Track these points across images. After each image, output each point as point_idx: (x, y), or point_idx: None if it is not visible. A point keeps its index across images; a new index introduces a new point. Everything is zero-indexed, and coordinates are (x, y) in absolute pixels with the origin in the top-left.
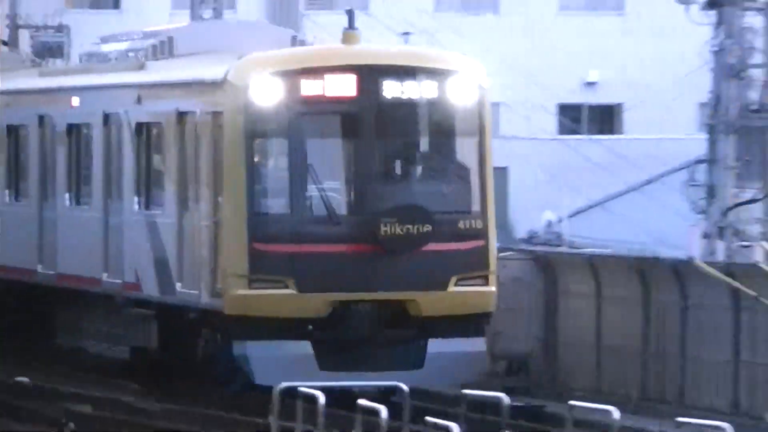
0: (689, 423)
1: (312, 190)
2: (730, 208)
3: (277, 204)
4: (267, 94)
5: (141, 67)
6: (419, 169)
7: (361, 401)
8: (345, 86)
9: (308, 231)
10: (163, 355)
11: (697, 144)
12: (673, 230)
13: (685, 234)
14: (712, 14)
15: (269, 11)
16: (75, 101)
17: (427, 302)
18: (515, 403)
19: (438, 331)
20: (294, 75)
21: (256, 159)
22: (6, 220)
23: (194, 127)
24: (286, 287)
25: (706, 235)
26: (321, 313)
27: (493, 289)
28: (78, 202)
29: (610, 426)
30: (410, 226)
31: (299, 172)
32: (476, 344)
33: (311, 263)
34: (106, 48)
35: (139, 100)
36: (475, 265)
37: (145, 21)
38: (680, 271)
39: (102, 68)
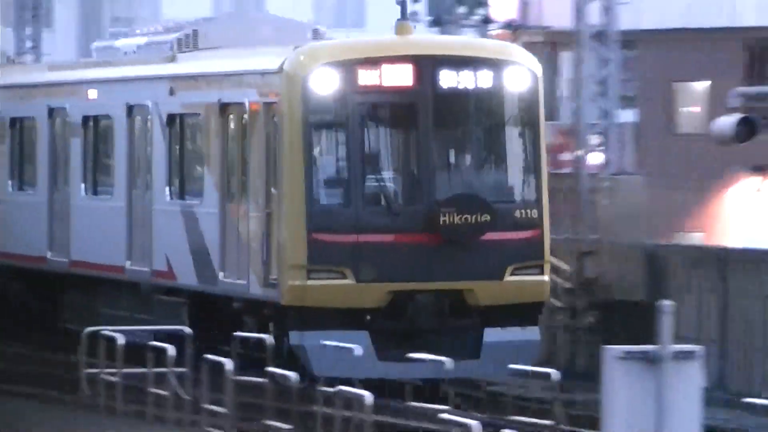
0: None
1: (370, 180)
2: None
3: (335, 194)
4: (325, 84)
5: (172, 59)
6: (476, 159)
7: (153, 342)
8: (402, 76)
9: (366, 221)
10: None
11: None
12: None
13: None
14: (436, 30)
15: (81, 32)
16: (92, 93)
17: (485, 292)
18: None
19: (494, 321)
20: (352, 65)
21: (314, 149)
22: (9, 209)
23: (241, 117)
24: (345, 277)
25: None
26: (379, 303)
27: (548, 278)
28: (95, 192)
29: None
30: (469, 216)
31: (357, 162)
32: (531, 333)
33: (370, 253)
34: (121, 43)
35: (171, 92)
36: (531, 255)
37: None
38: None
39: (123, 61)
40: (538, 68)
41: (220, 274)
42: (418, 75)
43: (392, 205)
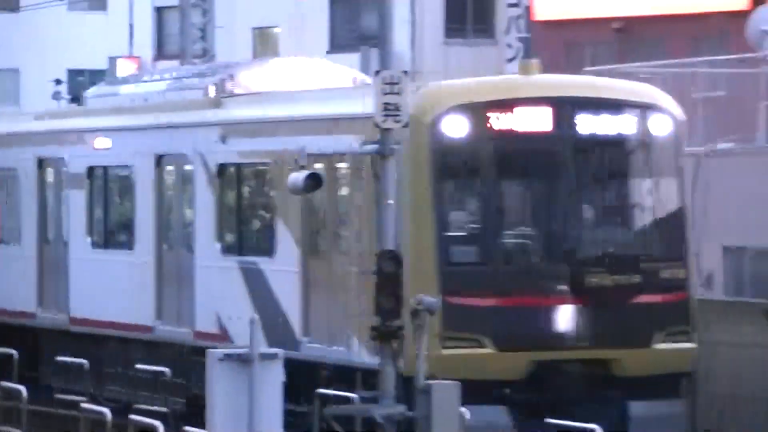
0: None
1: (507, 236)
2: None
3: (469, 252)
4: (456, 129)
5: (217, 104)
6: (619, 212)
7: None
8: (540, 120)
9: (506, 282)
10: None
11: None
12: None
13: None
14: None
15: None
16: (101, 142)
17: (632, 360)
18: None
19: (640, 393)
20: (484, 108)
21: (444, 202)
22: None
23: (334, 167)
24: (482, 346)
25: None
26: (519, 374)
27: (696, 345)
28: (106, 246)
29: None
30: (618, 276)
31: (493, 216)
32: (676, 406)
33: (510, 318)
34: (126, 89)
35: (223, 139)
36: (679, 320)
37: None
38: None
39: (141, 108)
40: (680, 113)
41: (304, 339)
42: (557, 119)
43: (533, 264)
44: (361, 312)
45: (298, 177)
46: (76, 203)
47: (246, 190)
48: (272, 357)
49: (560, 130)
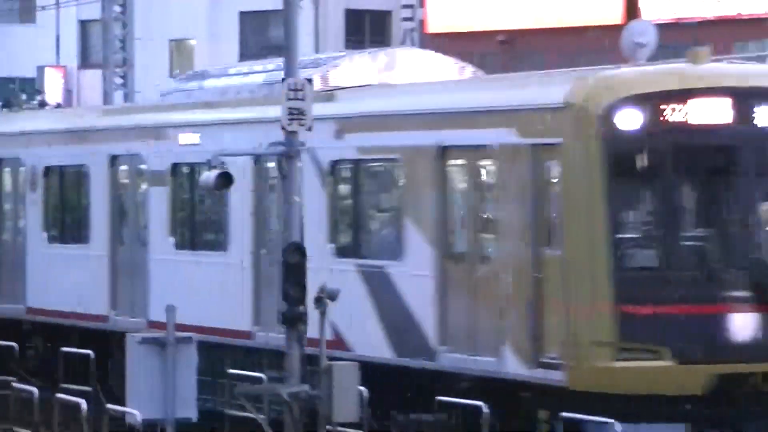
0: None
1: (686, 238)
2: None
3: (645, 256)
4: (629, 121)
5: (328, 98)
6: None
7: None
8: (718, 112)
9: (685, 289)
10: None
11: None
12: None
13: None
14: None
15: None
16: (187, 138)
17: None
18: None
19: None
20: (660, 99)
21: (617, 202)
22: (47, 262)
23: (476, 162)
24: (661, 358)
25: None
26: (701, 388)
27: None
28: (193, 247)
29: None
30: None
31: (670, 216)
32: None
33: (691, 328)
34: (210, 83)
35: (338, 135)
36: None
37: None
38: None
39: (233, 103)
40: None
41: (442, 348)
42: (737, 111)
43: (715, 269)
44: (513, 319)
45: (209, 176)
46: (156, 202)
47: (366, 187)
48: (187, 341)
49: (740, 122)
